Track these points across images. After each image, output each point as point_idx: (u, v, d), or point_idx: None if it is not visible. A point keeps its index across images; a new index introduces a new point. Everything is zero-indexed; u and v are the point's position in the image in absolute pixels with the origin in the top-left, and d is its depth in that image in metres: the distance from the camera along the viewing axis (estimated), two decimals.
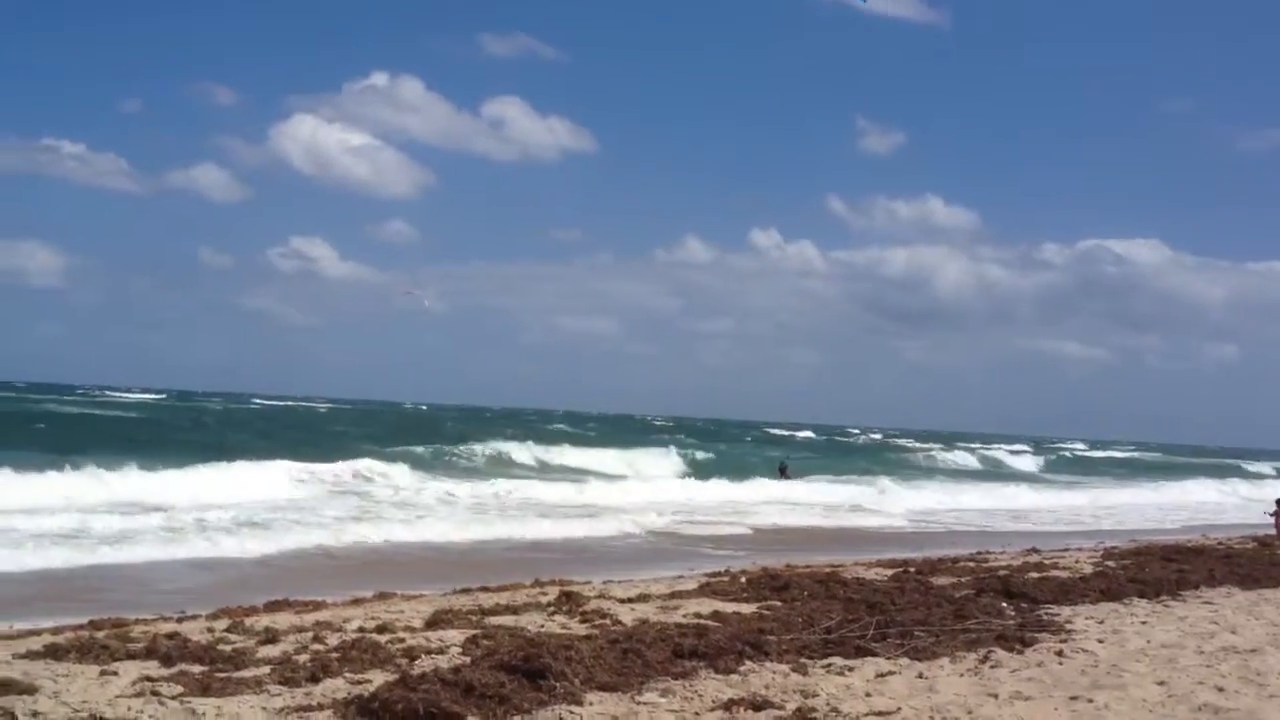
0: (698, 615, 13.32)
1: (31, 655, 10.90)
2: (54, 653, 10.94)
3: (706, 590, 15.88)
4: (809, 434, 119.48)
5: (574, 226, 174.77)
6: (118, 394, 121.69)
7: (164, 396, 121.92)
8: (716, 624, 12.60)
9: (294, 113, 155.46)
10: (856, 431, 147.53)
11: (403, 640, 11.64)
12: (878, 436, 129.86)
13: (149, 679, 9.79)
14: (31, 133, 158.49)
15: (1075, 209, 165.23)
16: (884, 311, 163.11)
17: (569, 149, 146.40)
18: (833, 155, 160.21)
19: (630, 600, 14.71)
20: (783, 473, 51.77)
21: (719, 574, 18.40)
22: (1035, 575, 17.77)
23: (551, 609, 13.88)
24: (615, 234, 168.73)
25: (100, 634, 12.27)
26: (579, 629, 12.44)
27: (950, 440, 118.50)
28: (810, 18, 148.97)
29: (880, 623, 12.69)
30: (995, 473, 79.10)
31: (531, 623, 12.88)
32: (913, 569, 18.74)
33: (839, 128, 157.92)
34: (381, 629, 12.30)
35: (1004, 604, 14.69)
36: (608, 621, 12.87)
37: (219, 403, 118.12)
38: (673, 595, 15.31)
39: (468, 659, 10.42)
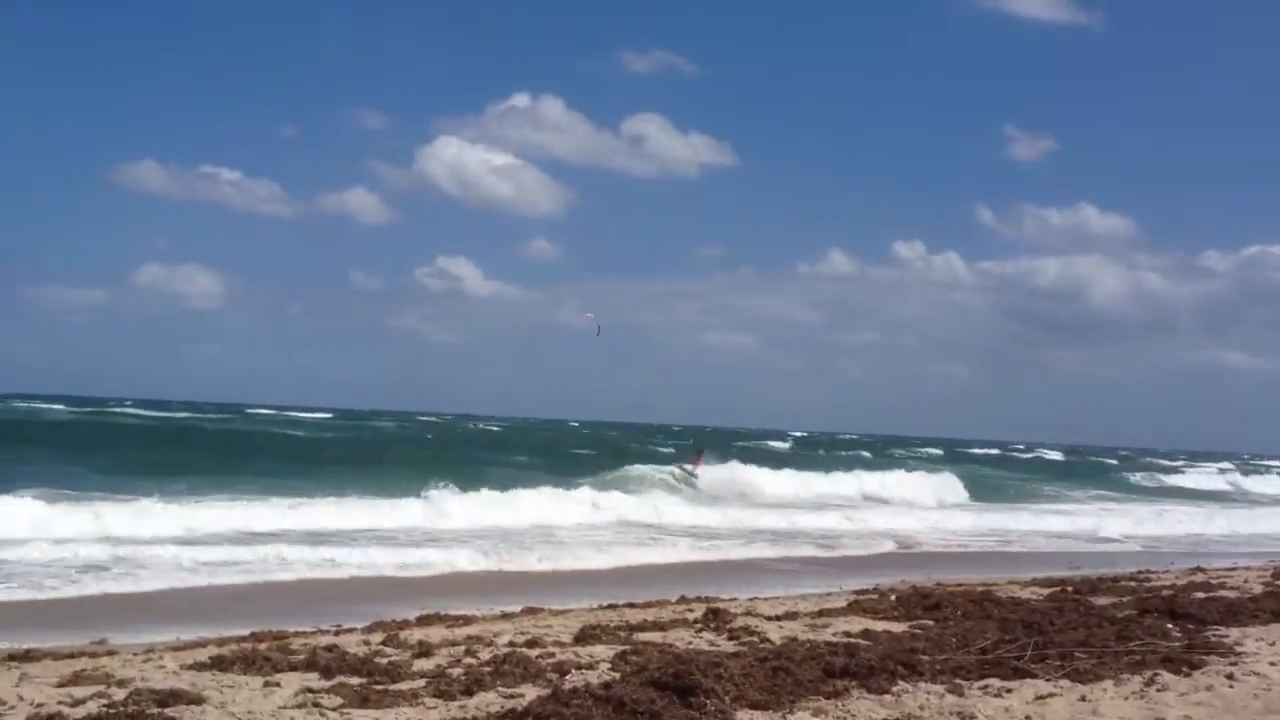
0: (847, 633, 13.13)
1: (198, 666, 11.28)
2: (219, 664, 11.30)
3: (855, 608, 15.66)
4: (993, 450, 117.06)
5: (715, 242, 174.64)
6: (298, 413, 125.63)
7: (331, 415, 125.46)
8: (867, 642, 12.39)
9: (439, 135, 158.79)
10: (1021, 447, 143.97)
11: (553, 655, 11.73)
12: (1055, 455, 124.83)
13: (310, 690, 10.05)
14: (191, 160, 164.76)
15: (1238, 213, 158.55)
16: (1035, 323, 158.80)
17: (709, 164, 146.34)
18: (979, 163, 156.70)
19: (778, 618, 14.59)
20: (696, 459, 46.98)
21: (867, 591, 18.14)
22: (1201, 595, 17.07)
23: (698, 625, 13.84)
24: (756, 248, 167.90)
25: (262, 646, 12.66)
26: (727, 646, 12.37)
27: (1135, 457, 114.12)
28: (954, 22, 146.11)
29: (1038, 643, 12.31)
30: (1240, 496, 74.43)
31: (679, 639, 12.85)
32: (1070, 588, 18.19)
33: (986, 134, 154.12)
34: (531, 643, 12.42)
35: (1169, 625, 14.13)
36: (755, 639, 12.78)
37: (391, 421, 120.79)
38: (821, 613, 15.14)
39: (617, 675, 10.44)
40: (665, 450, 72.56)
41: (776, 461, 60.41)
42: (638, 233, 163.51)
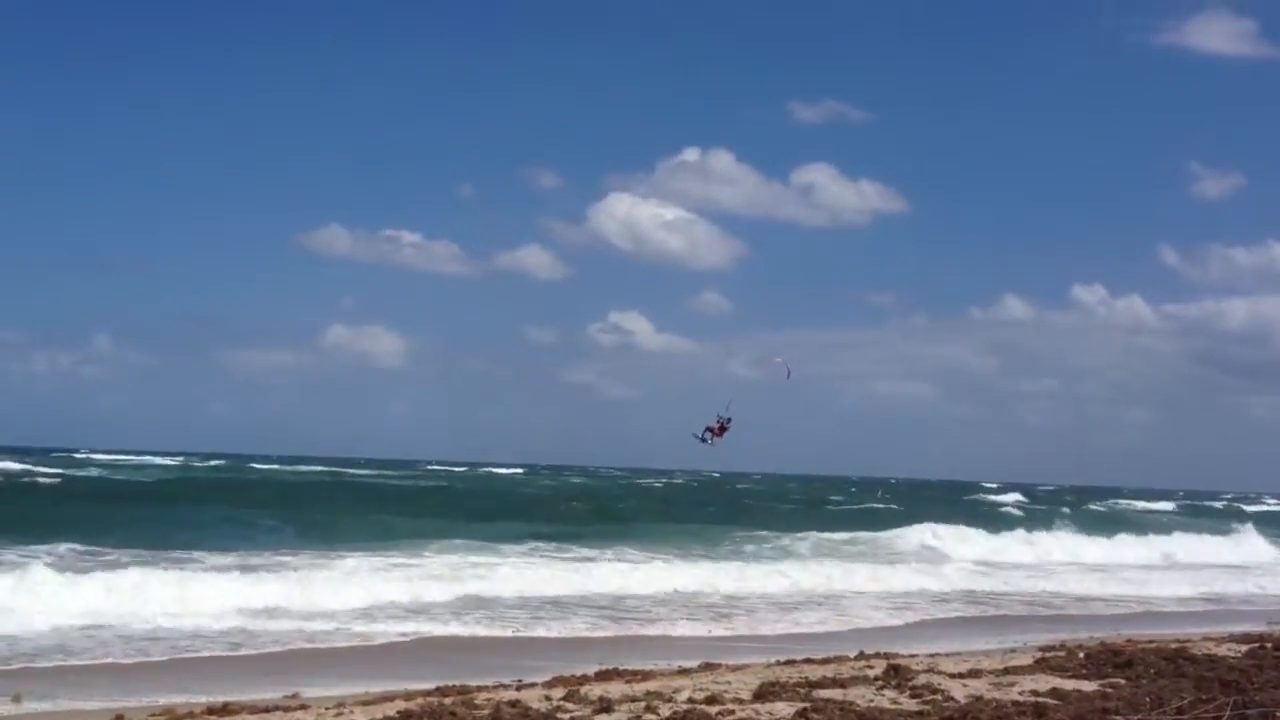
0: (1034, 692, 12.76)
1: None
2: (408, 718, 11.60)
3: (1042, 665, 15.20)
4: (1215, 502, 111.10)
5: (887, 289, 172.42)
6: (492, 469, 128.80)
7: (521, 471, 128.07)
8: (1056, 702, 12.05)
9: (610, 191, 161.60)
10: (1230, 496, 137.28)
11: (732, 712, 11.71)
12: (1272, 505, 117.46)
13: None
14: (375, 224, 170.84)
15: None
16: (1224, 367, 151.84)
17: (879, 211, 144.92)
18: (1163, 203, 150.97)
19: (961, 675, 14.26)
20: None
21: (1053, 648, 17.58)
22: None
23: (879, 683, 13.62)
24: (929, 295, 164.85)
25: (448, 700, 12.95)
26: (910, 704, 12.17)
27: None
28: (1134, 59, 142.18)
29: (1237, 703, 11.78)
30: None
31: (860, 697, 12.68)
32: (1270, 644, 17.31)
33: (1170, 172, 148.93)
34: (711, 700, 12.42)
35: None
36: (939, 697, 12.52)
37: (577, 475, 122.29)
38: (1006, 670, 14.74)
39: None
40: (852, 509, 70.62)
41: (1032, 522, 58.06)
42: (808, 282, 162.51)
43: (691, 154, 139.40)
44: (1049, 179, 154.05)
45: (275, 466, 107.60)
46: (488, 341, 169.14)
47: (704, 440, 32.92)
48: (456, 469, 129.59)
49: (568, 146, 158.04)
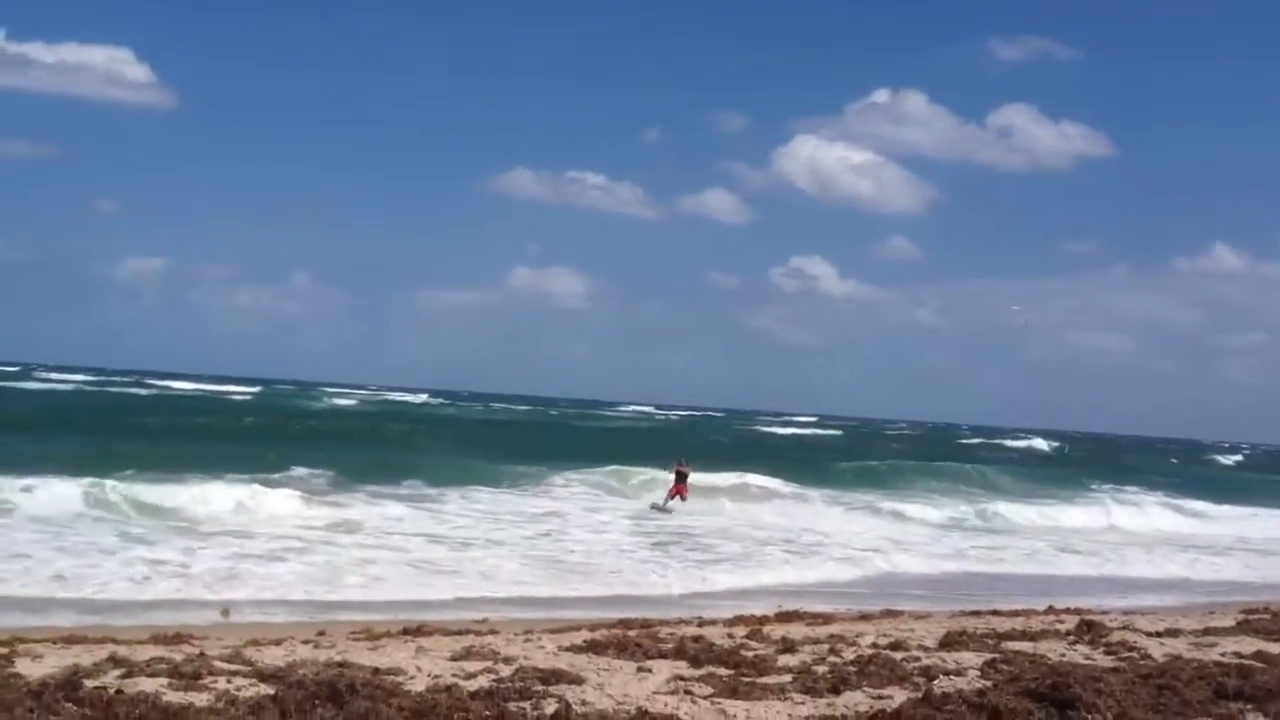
0: (1237, 654, 12.20)
1: (574, 649, 11.84)
2: (594, 648, 11.81)
3: (1246, 627, 14.55)
4: None
5: (1087, 238, 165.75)
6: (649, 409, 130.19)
7: (702, 414, 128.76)
8: (1262, 665, 11.48)
9: (796, 135, 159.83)
10: None
11: (918, 659, 11.53)
12: None
13: (681, 678, 10.32)
14: (559, 166, 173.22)
15: None
16: None
17: (1083, 154, 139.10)
18: None
19: (1158, 634, 13.74)
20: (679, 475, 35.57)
21: (1256, 610, 16.82)
22: None
23: (1071, 638, 13.24)
24: (1132, 244, 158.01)
25: (632, 633, 13.12)
26: (1104, 660, 11.77)
27: None
28: None
29: None
30: None
31: (1051, 650, 12.34)
32: None
33: None
34: (895, 645, 12.27)
35: None
36: (1135, 655, 12.09)
37: (750, 420, 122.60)
38: (1206, 631, 14.15)
39: (989, 683, 10.14)
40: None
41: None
42: (1003, 229, 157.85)
43: (881, 95, 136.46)
44: (1268, 123, 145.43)
45: (475, 405, 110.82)
46: (669, 284, 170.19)
47: (663, 508, 32.35)
48: (644, 408, 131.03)
49: (753, 89, 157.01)
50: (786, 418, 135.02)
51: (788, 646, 12.15)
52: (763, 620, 14.97)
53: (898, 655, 11.61)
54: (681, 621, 15.03)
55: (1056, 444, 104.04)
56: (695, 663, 11.05)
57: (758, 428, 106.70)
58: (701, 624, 14.58)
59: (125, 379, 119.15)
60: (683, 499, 33.09)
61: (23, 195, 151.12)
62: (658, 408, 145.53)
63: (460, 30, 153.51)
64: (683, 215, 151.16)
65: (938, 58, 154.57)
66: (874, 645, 12.32)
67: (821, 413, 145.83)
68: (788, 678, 10.45)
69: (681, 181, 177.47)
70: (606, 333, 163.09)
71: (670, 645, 11.88)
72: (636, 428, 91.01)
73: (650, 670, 10.72)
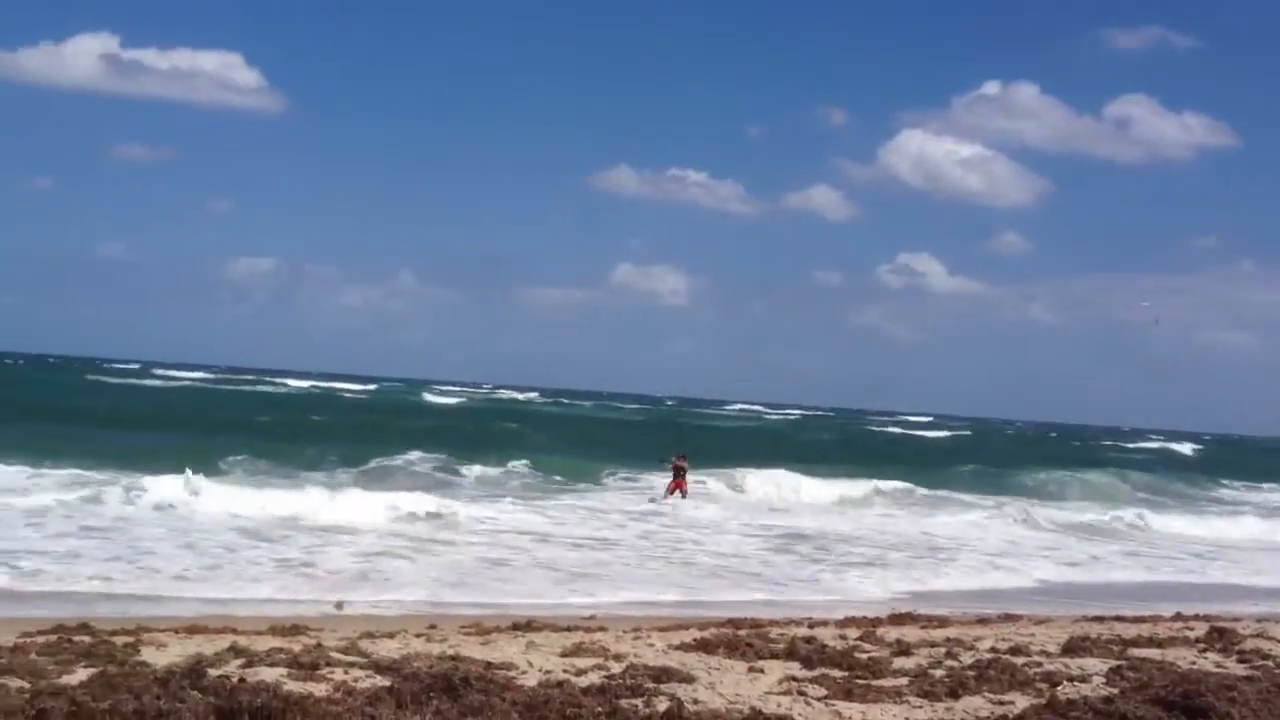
0: None
1: (684, 647, 11.74)
2: (704, 646, 11.70)
3: None
4: None
5: (1210, 232, 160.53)
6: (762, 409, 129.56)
7: (811, 413, 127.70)
8: None
9: (902, 129, 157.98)
10: None
11: (1039, 665, 11.21)
12: None
13: (793, 679, 10.16)
14: (661, 164, 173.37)
15: None
16: None
17: (1206, 146, 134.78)
18: None
19: None
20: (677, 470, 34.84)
21: None
22: None
23: (1201, 645, 12.76)
24: (1259, 238, 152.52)
25: (742, 632, 12.98)
26: (1236, 669, 11.32)
27: None
28: None
29: None
30: None
31: (1180, 658, 11.90)
32: None
33: None
34: (1015, 651, 11.94)
35: None
36: (1270, 663, 11.60)
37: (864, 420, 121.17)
38: None
39: (1115, 690, 9.81)
40: None
41: None
42: (1120, 223, 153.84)
43: (991, 87, 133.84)
44: None
45: (585, 402, 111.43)
46: (772, 281, 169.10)
47: (661, 503, 31.48)
48: (753, 407, 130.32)
49: (857, 84, 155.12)
50: (900, 417, 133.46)
51: (902, 649, 11.92)
52: (875, 622, 14.71)
53: (1018, 660, 11.30)
54: (791, 622, 14.84)
55: (1199, 446, 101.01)
56: (808, 664, 10.88)
57: (872, 427, 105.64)
58: (813, 625, 14.37)
59: (244, 376, 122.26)
60: (682, 494, 32.82)
61: (141, 198, 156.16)
62: (767, 406, 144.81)
63: (559, 31, 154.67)
64: (786, 212, 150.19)
65: (1050, 49, 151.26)
66: (993, 650, 12.01)
67: (932, 412, 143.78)
68: (904, 681, 10.23)
69: (784, 178, 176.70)
70: (710, 330, 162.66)
71: (781, 646, 11.72)
72: (745, 427, 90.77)
73: (762, 670, 10.59)
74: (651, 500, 32.21)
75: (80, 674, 8.70)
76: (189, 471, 25.37)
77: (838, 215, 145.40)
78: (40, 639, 10.62)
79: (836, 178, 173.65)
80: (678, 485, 32.92)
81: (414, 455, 38.08)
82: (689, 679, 9.99)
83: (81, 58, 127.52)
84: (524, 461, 38.87)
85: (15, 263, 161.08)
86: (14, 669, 8.84)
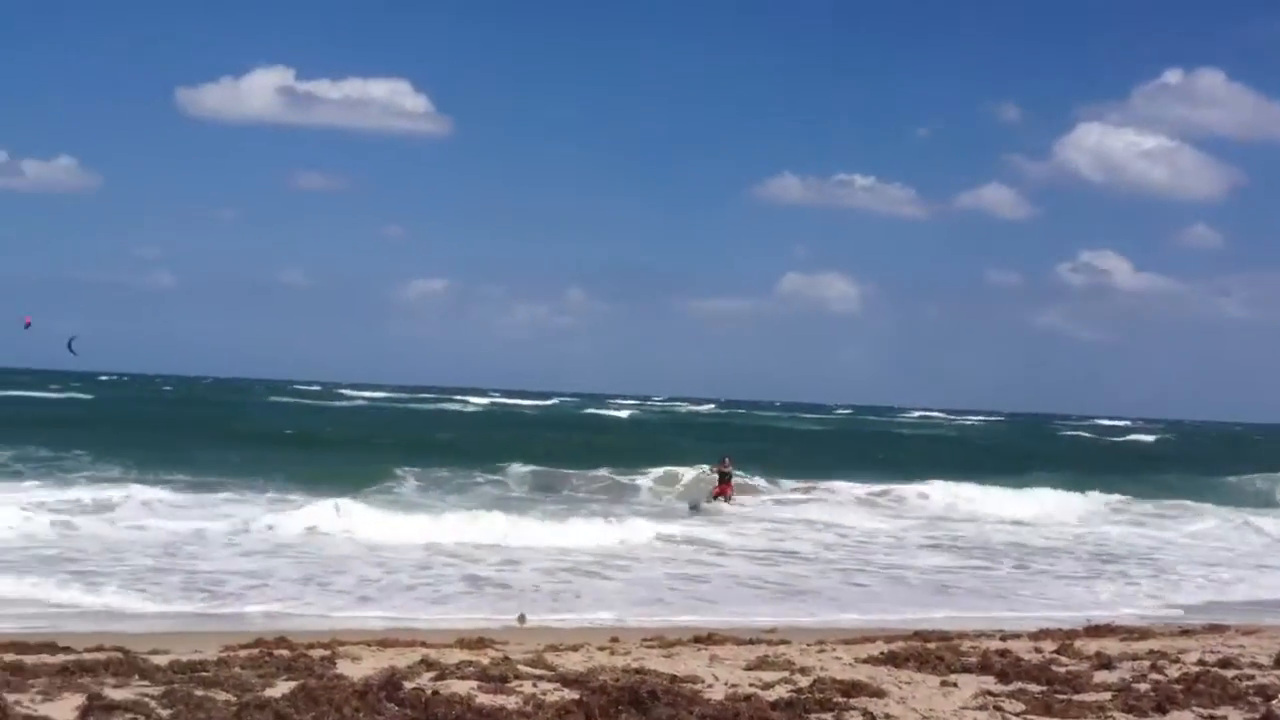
0: None
1: (872, 661, 11.49)
2: (892, 660, 11.43)
3: None
4: None
5: None
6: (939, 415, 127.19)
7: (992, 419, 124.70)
8: None
9: (1078, 123, 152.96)
10: None
11: (1251, 677, 10.62)
12: None
13: (989, 694, 9.84)
14: (826, 170, 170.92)
15: None
16: None
17: None
18: None
19: None
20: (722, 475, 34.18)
21: None
22: None
23: None
24: None
25: (931, 645, 12.66)
26: None
27: None
28: None
29: None
30: None
31: None
32: None
33: None
34: (1224, 663, 11.34)
35: None
36: None
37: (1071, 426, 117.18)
38: None
39: None
40: None
41: None
42: None
43: (1173, 76, 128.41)
44: None
45: (763, 413, 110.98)
46: (944, 284, 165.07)
47: (704, 508, 30.37)
48: (932, 414, 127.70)
49: (1029, 78, 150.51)
50: (1091, 420, 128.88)
51: (1103, 662, 11.44)
52: (1071, 634, 14.18)
53: (1228, 673, 10.73)
54: (982, 635, 14.41)
55: None
56: (1003, 678, 10.52)
57: (1065, 432, 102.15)
58: (1004, 637, 13.93)
59: (424, 394, 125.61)
60: (726, 499, 32.38)
61: (318, 225, 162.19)
62: (946, 413, 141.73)
63: (719, 44, 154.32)
64: (957, 213, 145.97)
65: (1235, 33, 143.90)
66: (1200, 662, 11.44)
67: (1121, 414, 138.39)
68: (1106, 695, 9.81)
69: (955, 179, 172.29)
70: (882, 337, 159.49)
71: (974, 659, 11.38)
72: (921, 435, 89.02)
73: (955, 685, 10.29)
74: (692, 507, 32.19)
75: (281, 687, 8.97)
76: (382, 492, 25.90)
77: (1013, 214, 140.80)
78: (243, 653, 11.02)
79: (1010, 175, 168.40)
80: (723, 490, 32.95)
81: (602, 471, 38.67)
82: (879, 693, 9.76)
83: (259, 91, 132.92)
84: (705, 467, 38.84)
85: (206, 290, 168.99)
86: (220, 682, 9.17)
